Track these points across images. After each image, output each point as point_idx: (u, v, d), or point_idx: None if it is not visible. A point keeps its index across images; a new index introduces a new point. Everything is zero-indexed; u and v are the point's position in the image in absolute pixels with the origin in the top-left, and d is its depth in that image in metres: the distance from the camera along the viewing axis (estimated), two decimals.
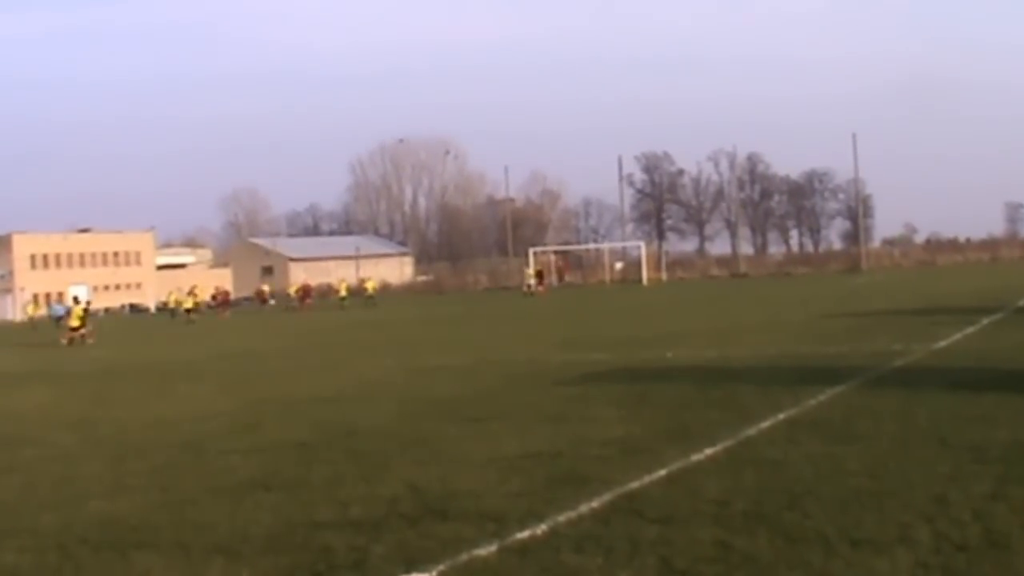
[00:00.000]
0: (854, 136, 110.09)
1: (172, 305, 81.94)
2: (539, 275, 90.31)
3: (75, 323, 50.48)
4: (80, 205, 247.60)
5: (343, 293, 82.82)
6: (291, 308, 78.73)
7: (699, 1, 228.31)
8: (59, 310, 59.76)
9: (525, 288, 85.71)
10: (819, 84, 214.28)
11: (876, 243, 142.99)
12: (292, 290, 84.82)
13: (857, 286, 65.67)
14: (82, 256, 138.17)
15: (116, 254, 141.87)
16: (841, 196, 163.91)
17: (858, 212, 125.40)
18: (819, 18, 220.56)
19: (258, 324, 63.37)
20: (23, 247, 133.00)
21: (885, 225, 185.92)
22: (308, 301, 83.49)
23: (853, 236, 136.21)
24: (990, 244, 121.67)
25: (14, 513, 12.01)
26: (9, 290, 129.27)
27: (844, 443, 12.84)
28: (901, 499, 9.89)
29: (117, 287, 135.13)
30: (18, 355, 46.99)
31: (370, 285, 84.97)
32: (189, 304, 69.90)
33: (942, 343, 24.51)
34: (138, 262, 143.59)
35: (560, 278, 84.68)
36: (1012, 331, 27.13)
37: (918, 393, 16.65)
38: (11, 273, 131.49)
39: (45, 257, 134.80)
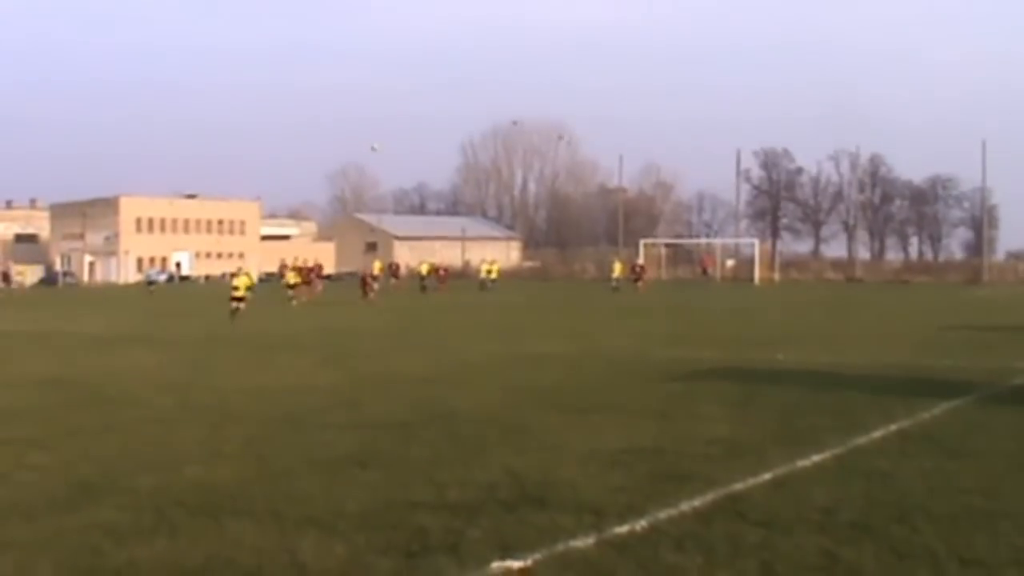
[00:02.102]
0: (983, 143, 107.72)
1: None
2: (635, 270, 78.89)
3: (240, 292, 44.57)
4: (187, 171, 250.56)
5: (494, 276, 79.58)
6: (428, 288, 73.88)
7: None
8: (153, 275, 58.23)
9: (613, 284, 74.54)
10: (948, 86, 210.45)
11: (1000, 256, 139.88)
12: (424, 269, 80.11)
13: (978, 299, 64.51)
14: (187, 222, 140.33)
15: (221, 222, 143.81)
16: (966, 204, 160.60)
17: (983, 222, 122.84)
18: (951, 17, 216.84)
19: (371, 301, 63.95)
20: (130, 210, 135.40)
21: (1010, 237, 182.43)
22: (444, 283, 78.83)
23: (976, 247, 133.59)
24: None
25: (113, 472, 12.30)
26: (115, 252, 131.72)
27: (958, 459, 12.64)
28: (1015, 521, 9.71)
29: (219, 255, 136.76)
30: (123, 317, 47.97)
31: (494, 269, 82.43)
32: (292, 279, 66.75)
33: None
34: (242, 231, 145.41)
35: (637, 279, 73.84)
36: None
37: None
38: (117, 235, 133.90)
39: (151, 221, 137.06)
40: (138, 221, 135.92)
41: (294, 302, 55.11)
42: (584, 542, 9.06)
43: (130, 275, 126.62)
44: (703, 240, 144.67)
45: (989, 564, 8.43)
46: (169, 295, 79.40)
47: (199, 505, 10.55)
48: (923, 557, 8.62)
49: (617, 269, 74.03)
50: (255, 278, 43.56)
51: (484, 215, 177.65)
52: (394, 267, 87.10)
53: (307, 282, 65.58)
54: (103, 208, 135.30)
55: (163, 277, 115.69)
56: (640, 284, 72.45)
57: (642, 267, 79.03)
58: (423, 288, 70.46)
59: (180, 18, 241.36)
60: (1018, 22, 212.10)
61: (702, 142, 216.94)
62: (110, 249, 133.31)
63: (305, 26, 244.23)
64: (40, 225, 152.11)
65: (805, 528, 9.50)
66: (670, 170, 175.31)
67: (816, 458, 12.68)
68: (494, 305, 56.90)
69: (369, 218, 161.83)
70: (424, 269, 76.86)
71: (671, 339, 32.37)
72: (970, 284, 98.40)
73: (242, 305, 43.57)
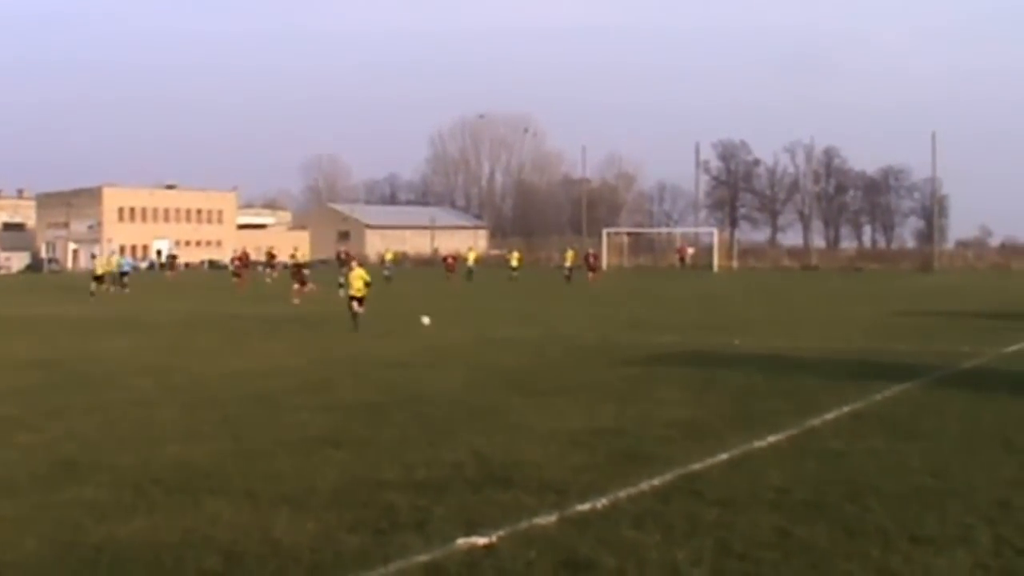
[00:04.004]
0: (933, 135, 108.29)
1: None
2: (588, 259, 73.30)
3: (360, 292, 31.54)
4: (167, 162, 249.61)
5: (471, 263, 75.11)
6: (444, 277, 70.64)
7: None
8: (126, 265, 55.28)
9: (566, 272, 69.79)
10: (900, 81, 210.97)
11: (950, 244, 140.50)
12: (471, 257, 76.70)
13: (928, 286, 64.86)
14: (167, 211, 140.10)
15: (199, 211, 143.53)
16: (916, 195, 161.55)
17: (933, 211, 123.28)
18: (903, 16, 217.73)
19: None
20: (113, 200, 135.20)
21: (960, 226, 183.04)
22: (453, 272, 73.15)
23: (927, 235, 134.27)
24: None
25: (95, 450, 12.32)
26: (98, 240, 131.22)
27: (908, 440, 12.70)
28: (963, 500, 9.76)
29: (198, 243, 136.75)
30: (101, 304, 47.68)
31: (471, 256, 79.95)
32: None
33: (1012, 347, 24.13)
34: (220, 220, 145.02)
35: (591, 268, 68.62)
36: None
37: (985, 395, 16.43)
38: (100, 224, 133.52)
39: (132, 210, 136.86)
40: (120, 210, 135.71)
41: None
42: (547, 519, 9.05)
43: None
44: (664, 229, 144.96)
45: (938, 541, 8.44)
46: (151, 284, 78.98)
47: (177, 483, 10.53)
48: (874, 535, 8.63)
49: (570, 258, 71.73)
50: (366, 274, 32.11)
51: (453, 205, 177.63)
52: (344, 255, 79.56)
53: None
54: (87, 198, 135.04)
55: (144, 265, 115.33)
56: (592, 275, 68.73)
57: (595, 256, 75.06)
58: (387, 278, 67.90)
59: (163, 13, 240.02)
60: (967, 16, 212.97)
61: (663, 134, 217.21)
62: (93, 237, 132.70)
63: (281, 24, 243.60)
64: (27, 214, 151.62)
65: (760, 507, 9.51)
66: (632, 161, 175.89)
67: (771, 439, 12.72)
68: (458, 293, 56.84)
69: (342, 207, 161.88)
70: (388, 256, 74.63)
71: (631, 324, 32.40)
72: (921, 271, 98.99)
73: (362, 310, 31.08)
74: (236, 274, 58.64)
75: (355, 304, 30.97)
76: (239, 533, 8.77)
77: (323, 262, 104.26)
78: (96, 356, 23.46)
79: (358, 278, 31.58)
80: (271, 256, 79.42)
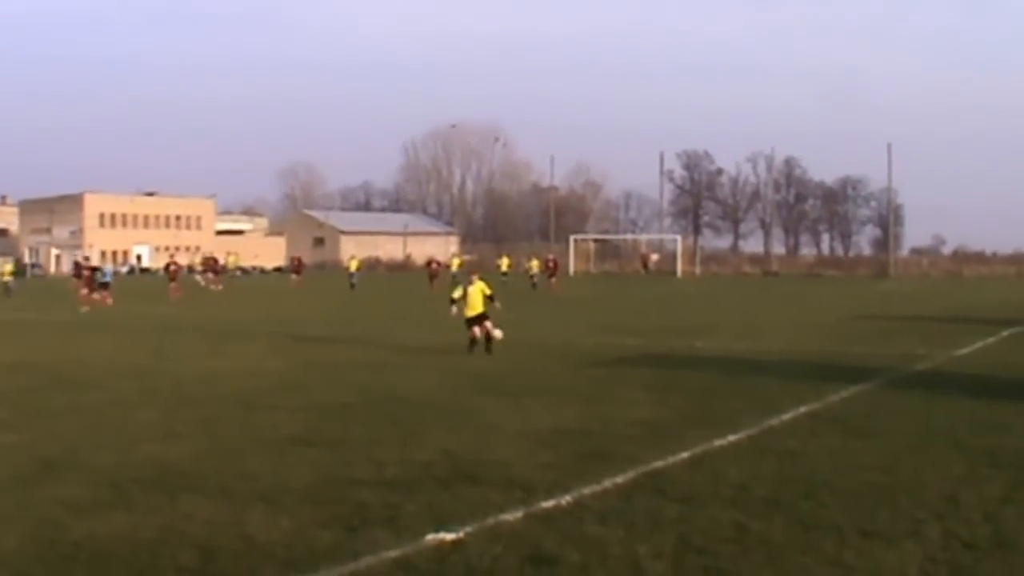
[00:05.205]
0: (889, 146, 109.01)
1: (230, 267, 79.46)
2: (548, 265, 70.40)
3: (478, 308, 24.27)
4: (148, 170, 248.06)
5: (504, 268, 72.19)
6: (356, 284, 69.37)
7: (739, 8, 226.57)
8: (106, 273, 52.19)
9: (533, 280, 67.52)
10: (857, 93, 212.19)
11: (905, 252, 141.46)
12: (456, 263, 75.47)
13: (884, 291, 65.23)
14: (146, 218, 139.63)
15: (179, 218, 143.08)
16: (873, 204, 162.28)
17: (889, 220, 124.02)
18: (861, 29, 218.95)
19: (322, 290, 63.56)
20: (94, 206, 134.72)
21: (914, 235, 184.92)
22: (436, 277, 68.55)
23: (883, 243, 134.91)
24: (1017, 259, 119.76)
25: (75, 450, 12.25)
26: (79, 246, 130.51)
27: (862, 439, 12.79)
28: (914, 496, 9.84)
29: (177, 249, 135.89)
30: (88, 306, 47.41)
31: (455, 263, 77.72)
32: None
33: (964, 350, 24.31)
34: (199, 226, 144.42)
35: (551, 274, 67.70)
36: None
37: (937, 396, 16.54)
38: (81, 230, 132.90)
39: (113, 217, 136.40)
40: (101, 217, 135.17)
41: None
42: (513, 516, 9.08)
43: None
44: (630, 236, 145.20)
45: (889, 536, 8.52)
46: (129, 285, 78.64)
47: (154, 481, 10.51)
48: (828, 529, 8.69)
49: (535, 266, 71.27)
50: (487, 287, 24.55)
51: (425, 212, 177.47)
52: (210, 261, 77.33)
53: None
54: (69, 204, 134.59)
55: (124, 270, 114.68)
56: (553, 281, 66.87)
57: (555, 263, 73.37)
58: (352, 286, 66.77)
59: (143, 27, 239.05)
60: (923, 33, 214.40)
61: (629, 144, 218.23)
62: (75, 243, 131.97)
63: (259, 38, 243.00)
64: (10, 220, 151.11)
65: (720, 503, 9.56)
66: (599, 170, 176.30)
67: (731, 438, 12.78)
68: (429, 297, 56.81)
69: (318, 214, 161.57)
70: (354, 266, 72.18)
71: (597, 328, 32.44)
72: (878, 278, 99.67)
73: (491, 331, 23.89)
74: (172, 278, 57.34)
75: (475, 328, 23.72)
76: (215, 530, 8.76)
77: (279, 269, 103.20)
78: (78, 358, 23.32)
79: (478, 292, 24.17)
80: (212, 261, 76.64)
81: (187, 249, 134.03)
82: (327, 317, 38.52)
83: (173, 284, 55.91)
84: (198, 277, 73.98)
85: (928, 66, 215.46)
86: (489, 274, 38.93)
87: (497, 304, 24.31)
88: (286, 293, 61.60)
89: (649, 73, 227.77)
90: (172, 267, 58.53)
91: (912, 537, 8.50)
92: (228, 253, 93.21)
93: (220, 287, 65.93)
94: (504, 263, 73.96)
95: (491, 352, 23.10)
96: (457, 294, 24.45)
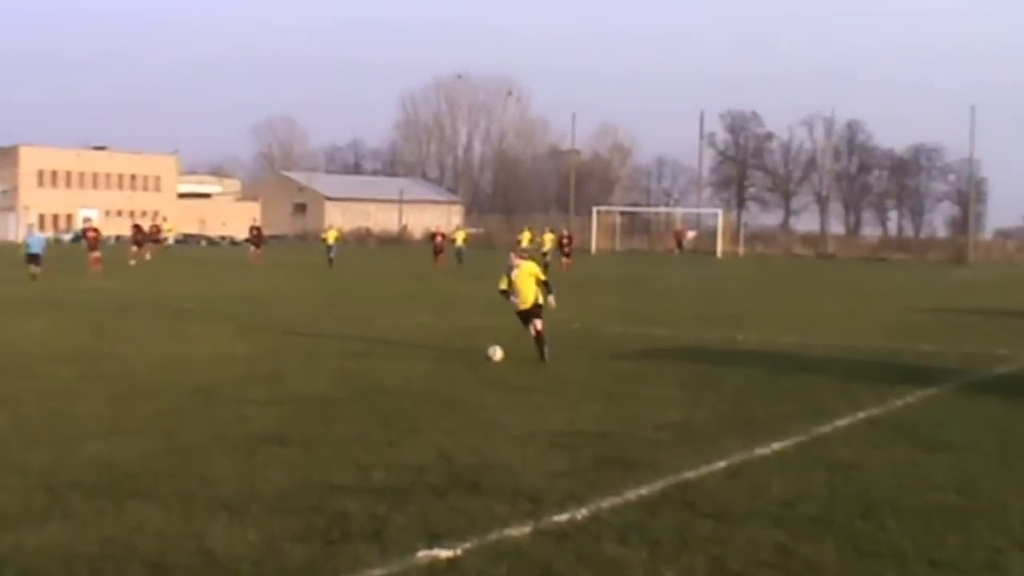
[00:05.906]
0: (972, 108, 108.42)
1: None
2: (562, 243, 70.05)
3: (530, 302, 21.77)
4: (97, 120, 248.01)
5: (460, 243, 73.47)
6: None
7: None
8: (36, 243, 49.16)
9: (547, 259, 63.42)
10: (933, 47, 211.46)
11: (987, 234, 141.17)
12: (460, 237, 74.69)
13: (961, 280, 65.14)
14: (95, 176, 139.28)
15: (133, 177, 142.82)
16: (951, 177, 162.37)
17: (969, 196, 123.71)
18: None
19: (292, 267, 63.62)
20: (30, 161, 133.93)
21: (999, 214, 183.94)
22: (442, 252, 69.74)
23: (961, 223, 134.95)
24: None
25: (2, 449, 12.21)
26: (12, 208, 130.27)
27: (931, 452, 12.78)
28: (992, 520, 9.84)
29: (132, 213, 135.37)
30: (19, 280, 47.46)
31: (460, 236, 78.67)
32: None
33: None
34: (157, 188, 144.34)
35: (565, 253, 66.78)
36: None
37: (1021, 404, 16.52)
38: (16, 189, 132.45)
39: (55, 174, 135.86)
40: (40, 174, 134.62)
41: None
42: (519, 531, 9.11)
43: (20, 234, 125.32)
44: (662, 209, 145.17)
45: (961, 567, 8.52)
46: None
47: (97, 485, 10.50)
48: (889, 556, 8.70)
49: (548, 241, 70.58)
50: (539, 269, 22.52)
51: (424, 176, 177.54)
52: (518, 252, 75.17)
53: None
54: (1, 159, 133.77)
55: (67, 237, 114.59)
56: (565, 260, 66.78)
57: (570, 239, 73.07)
58: (329, 261, 66.01)
59: None
60: None
61: (663, 102, 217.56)
62: (8, 204, 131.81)
63: None
64: None
65: (760, 521, 9.58)
66: (628, 132, 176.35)
67: (776, 446, 12.80)
68: (430, 274, 56.85)
69: (298, 177, 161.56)
70: (331, 237, 71.25)
71: (621, 315, 32.50)
72: (953, 264, 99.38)
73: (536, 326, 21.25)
74: (91, 247, 57.55)
75: (530, 326, 21.30)
76: (168, 543, 8.76)
77: (277, 237, 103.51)
78: (7, 339, 23.33)
79: (527, 277, 21.42)
80: (155, 229, 77.98)
81: (143, 214, 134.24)
82: (302, 296, 38.54)
83: (93, 254, 55.90)
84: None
85: (1015, 24, 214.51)
86: (485, 250, 38.59)
87: (552, 299, 21.58)
88: (242, 268, 61.19)
89: (686, 19, 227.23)
90: (91, 233, 59.03)
91: (990, 570, 8.51)
92: (163, 218, 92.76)
93: (135, 261, 64.48)
94: (525, 237, 72.54)
95: (545, 359, 20.63)
96: (504, 284, 21.63)
